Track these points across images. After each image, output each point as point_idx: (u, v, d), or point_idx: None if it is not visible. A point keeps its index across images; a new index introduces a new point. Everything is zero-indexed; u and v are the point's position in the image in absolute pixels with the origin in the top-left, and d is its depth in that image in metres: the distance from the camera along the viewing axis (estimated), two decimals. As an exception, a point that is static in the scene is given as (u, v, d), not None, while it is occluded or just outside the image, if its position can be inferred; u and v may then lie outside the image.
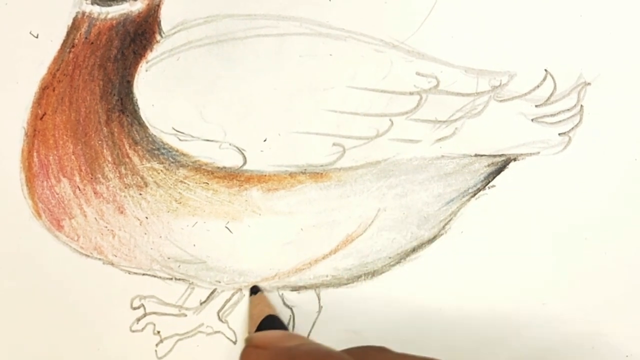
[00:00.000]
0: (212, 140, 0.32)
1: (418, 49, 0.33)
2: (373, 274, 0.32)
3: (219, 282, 0.33)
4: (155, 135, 0.32)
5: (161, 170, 0.32)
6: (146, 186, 0.32)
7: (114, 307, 0.33)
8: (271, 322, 0.30)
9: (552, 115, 0.33)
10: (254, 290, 0.32)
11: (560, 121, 0.33)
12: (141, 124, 0.32)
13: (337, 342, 0.32)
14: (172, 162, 0.32)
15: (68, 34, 0.33)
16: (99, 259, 0.33)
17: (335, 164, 0.32)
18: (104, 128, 0.33)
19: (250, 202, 0.32)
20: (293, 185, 0.32)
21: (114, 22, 0.33)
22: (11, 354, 0.33)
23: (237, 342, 0.33)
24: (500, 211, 0.33)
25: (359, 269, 0.33)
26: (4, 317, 0.33)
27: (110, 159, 0.32)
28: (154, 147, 0.32)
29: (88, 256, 0.33)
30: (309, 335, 0.33)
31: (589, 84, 0.33)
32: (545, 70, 0.33)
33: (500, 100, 0.33)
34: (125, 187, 0.32)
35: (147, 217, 0.33)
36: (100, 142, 0.32)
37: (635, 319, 0.33)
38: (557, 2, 0.33)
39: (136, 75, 0.33)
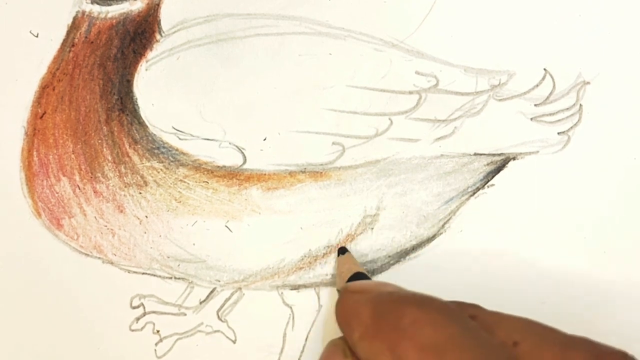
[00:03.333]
0: (211, 139, 0.32)
1: (417, 48, 0.33)
2: (372, 272, 0.32)
3: (219, 281, 0.33)
4: (155, 134, 0.32)
5: (161, 169, 0.32)
6: (146, 185, 0.32)
7: (114, 306, 0.33)
8: (359, 278, 0.30)
9: (551, 114, 0.33)
10: (342, 250, 0.32)
11: (559, 120, 0.33)
12: (141, 123, 0.32)
13: (336, 341, 0.32)
14: (172, 161, 0.32)
15: (68, 33, 0.33)
16: (99, 257, 0.33)
17: (335, 163, 0.32)
18: (104, 127, 0.33)
19: (250, 201, 0.32)
20: (293, 184, 0.32)
21: (114, 21, 0.33)
22: (10, 352, 0.33)
23: (237, 342, 0.33)
24: (499, 210, 0.33)
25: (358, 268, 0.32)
26: (3, 316, 0.33)
27: (110, 158, 0.32)
28: (154, 146, 0.32)
29: (88, 255, 0.33)
30: (308, 334, 0.33)
31: (588, 83, 0.33)
32: (545, 69, 0.33)
33: (500, 100, 0.33)
34: (125, 186, 0.32)
35: (146, 216, 0.33)
36: (100, 141, 0.33)
37: (635, 319, 0.33)
38: (557, 2, 0.33)
39: (136, 75, 0.33)
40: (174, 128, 0.32)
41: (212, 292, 0.33)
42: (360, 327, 0.24)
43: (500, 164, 0.33)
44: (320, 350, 0.32)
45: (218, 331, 0.33)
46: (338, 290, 0.31)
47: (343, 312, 0.26)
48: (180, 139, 0.32)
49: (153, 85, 0.33)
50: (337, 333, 0.32)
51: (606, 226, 0.33)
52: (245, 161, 0.32)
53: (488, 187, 0.33)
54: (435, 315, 0.23)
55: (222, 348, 0.33)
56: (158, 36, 0.33)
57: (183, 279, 0.33)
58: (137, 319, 0.33)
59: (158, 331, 0.33)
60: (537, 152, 0.33)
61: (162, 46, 0.33)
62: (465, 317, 0.24)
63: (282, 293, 0.33)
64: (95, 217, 0.33)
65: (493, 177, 0.33)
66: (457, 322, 0.23)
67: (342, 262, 0.32)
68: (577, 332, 0.32)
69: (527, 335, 0.24)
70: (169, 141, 0.32)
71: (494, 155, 0.33)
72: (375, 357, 0.23)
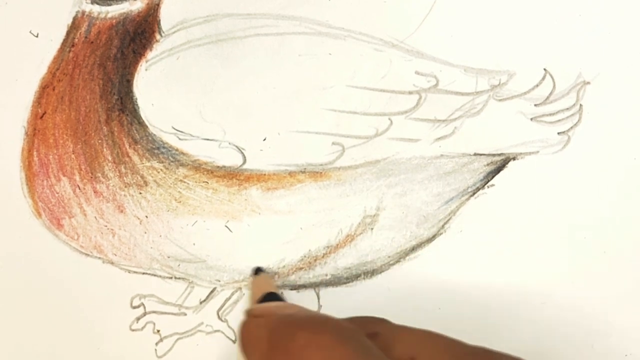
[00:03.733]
0: (211, 139, 0.32)
1: (417, 48, 0.33)
2: (372, 273, 0.32)
3: (219, 281, 0.33)
4: (154, 134, 0.32)
5: (161, 169, 0.32)
6: (146, 185, 0.32)
7: (114, 306, 0.33)
8: (272, 298, 0.30)
9: (551, 114, 0.33)
10: (257, 271, 0.32)
11: (559, 120, 0.33)
12: (141, 123, 0.33)
13: (336, 341, 0.32)
14: (172, 161, 0.32)
15: (68, 33, 0.33)
16: (99, 257, 0.33)
17: (335, 163, 0.32)
18: (104, 127, 0.33)
19: (250, 201, 0.32)
20: (292, 185, 0.32)
21: (114, 21, 0.33)
22: (11, 352, 0.33)
23: (237, 341, 0.33)
24: (499, 210, 0.33)
25: (358, 268, 0.33)
26: (3, 316, 0.33)
27: (110, 158, 0.32)
28: (154, 146, 0.32)
29: (88, 255, 0.33)
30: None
31: (588, 83, 0.33)
32: (545, 69, 0.33)
33: (500, 100, 0.33)
34: (125, 186, 0.33)
35: (147, 216, 0.33)
36: (100, 141, 0.33)
37: (635, 319, 0.33)
38: (557, 2, 0.33)
39: (136, 75, 0.33)
40: (173, 128, 0.32)
41: (212, 292, 0.33)
42: (257, 352, 0.24)
43: (500, 164, 0.33)
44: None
45: (218, 331, 0.33)
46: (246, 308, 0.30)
47: (244, 337, 0.26)
48: (180, 139, 0.32)
49: (153, 85, 0.33)
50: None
51: (606, 226, 0.33)
52: (245, 161, 0.32)
53: (488, 187, 0.33)
54: (327, 337, 0.23)
55: (222, 348, 0.33)
56: (158, 36, 0.33)
57: (183, 278, 0.33)
58: (138, 318, 0.33)
59: (158, 331, 0.33)
60: (537, 152, 0.33)
61: (162, 46, 0.33)
62: (361, 337, 0.23)
63: (282, 293, 0.33)
64: (95, 217, 0.33)
65: (493, 177, 0.33)
66: (349, 344, 0.22)
67: (255, 284, 0.32)
68: (579, 332, 0.32)
69: (425, 349, 0.24)
70: (168, 141, 0.32)
71: (494, 155, 0.33)
72: None
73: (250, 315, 0.27)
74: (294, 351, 0.22)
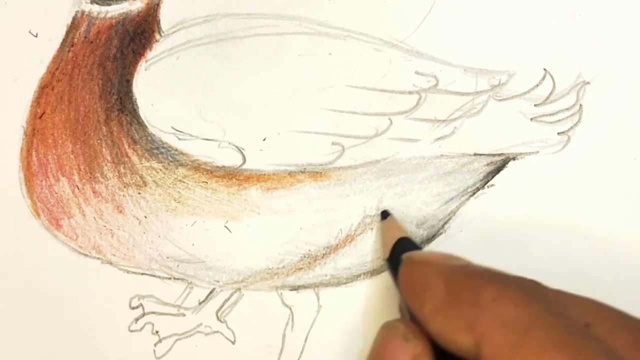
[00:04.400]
0: (211, 140, 0.32)
1: (417, 48, 0.33)
2: (372, 273, 0.32)
3: (218, 281, 0.33)
4: (154, 135, 0.32)
5: (160, 170, 0.32)
6: (145, 185, 0.32)
7: (113, 307, 0.33)
8: (405, 244, 0.29)
9: (551, 114, 0.33)
10: (384, 215, 0.32)
11: (559, 120, 0.33)
12: (140, 123, 0.32)
13: (336, 342, 0.32)
14: (171, 161, 0.32)
15: (67, 33, 0.33)
16: (98, 258, 0.33)
17: (335, 163, 0.32)
18: (103, 127, 0.33)
19: (250, 201, 0.32)
20: (292, 185, 0.32)
21: (114, 21, 0.33)
22: (9, 352, 0.33)
23: (236, 342, 0.33)
24: (499, 210, 0.33)
25: (358, 268, 0.32)
26: (2, 316, 0.33)
27: (109, 158, 0.32)
28: (153, 146, 0.32)
29: (87, 255, 0.33)
30: (307, 335, 0.32)
31: (588, 83, 0.33)
32: (545, 69, 0.33)
33: (500, 100, 0.33)
34: (124, 186, 0.32)
35: (146, 217, 0.32)
36: (99, 141, 0.32)
37: (635, 319, 0.33)
38: (557, 1, 0.33)
39: (135, 75, 0.33)
40: (173, 128, 0.32)
41: (211, 292, 0.33)
42: (433, 300, 0.23)
43: (500, 164, 0.33)
44: (320, 351, 0.32)
45: (217, 332, 0.33)
46: (387, 260, 0.30)
47: (410, 283, 0.25)
48: (179, 139, 0.32)
49: (152, 85, 0.33)
50: (336, 333, 0.32)
51: (606, 226, 0.33)
52: (244, 161, 0.32)
53: (488, 187, 0.33)
54: (515, 292, 0.22)
55: (222, 349, 0.33)
56: (157, 36, 0.33)
57: (182, 279, 0.33)
58: (136, 319, 0.33)
59: (157, 332, 0.33)
60: (537, 152, 0.33)
61: (162, 46, 0.33)
62: (544, 295, 0.23)
63: (281, 294, 0.33)
64: (94, 218, 0.33)
65: (493, 177, 0.33)
66: (538, 300, 0.22)
67: (385, 228, 0.31)
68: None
69: (600, 318, 0.23)
70: (168, 141, 0.32)
71: (493, 155, 0.33)
72: (452, 333, 0.22)
73: (413, 261, 0.26)
74: (483, 303, 0.22)
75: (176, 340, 0.33)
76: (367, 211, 0.32)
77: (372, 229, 0.32)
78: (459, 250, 0.32)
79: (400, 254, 0.28)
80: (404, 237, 0.29)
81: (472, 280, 0.23)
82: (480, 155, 0.33)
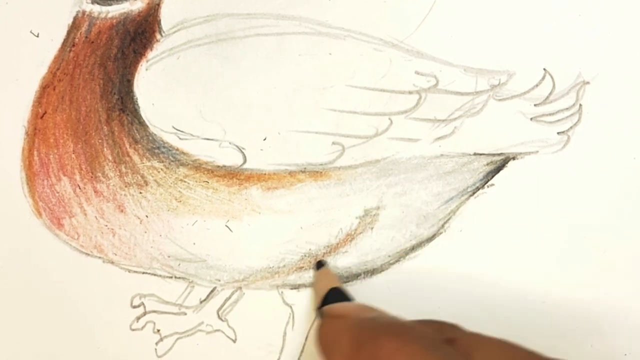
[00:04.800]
0: (212, 139, 0.32)
1: (417, 48, 0.33)
2: (372, 272, 0.33)
3: (219, 280, 0.33)
4: (155, 134, 0.32)
5: (161, 169, 0.32)
6: (146, 185, 0.32)
7: (114, 306, 0.33)
8: (336, 294, 0.30)
9: (551, 114, 0.33)
10: (319, 265, 0.32)
11: (559, 120, 0.33)
12: (141, 122, 0.33)
13: (336, 341, 0.32)
14: (172, 161, 0.32)
15: (68, 33, 0.33)
16: (99, 257, 0.33)
17: (335, 162, 0.32)
18: (104, 127, 0.33)
19: (250, 201, 0.32)
20: (293, 184, 0.32)
21: (114, 21, 0.33)
22: (11, 352, 0.33)
23: (237, 341, 0.33)
24: (499, 210, 0.33)
25: (358, 268, 0.33)
26: (3, 315, 0.33)
27: (110, 157, 0.33)
28: (154, 146, 0.32)
29: (88, 255, 0.33)
30: (308, 334, 0.33)
31: (587, 83, 0.33)
32: (544, 69, 0.33)
33: (499, 99, 0.33)
34: (126, 186, 0.33)
35: (147, 216, 0.33)
36: (100, 140, 0.33)
37: (634, 318, 0.33)
38: (556, 1, 0.33)
39: (136, 74, 0.33)
40: (174, 128, 0.33)
41: (212, 291, 0.33)
42: (339, 356, 0.24)
43: (500, 164, 0.33)
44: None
45: (218, 330, 0.33)
46: (316, 310, 0.30)
47: (323, 339, 0.26)
48: (180, 138, 0.32)
49: (153, 85, 0.33)
50: (337, 332, 0.32)
51: (606, 226, 0.33)
52: (245, 161, 0.32)
53: (488, 187, 0.33)
54: (414, 346, 0.22)
55: (223, 347, 0.33)
56: (158, 36, 0.33)
57: (183, 278, 0.33)
58: (138, 318, 0.33)
59: (158, 330, 0.33)
60: (537, 152, 0.33)
61: (163, 46, 0.33)
62: (444, 346, 0.23)
63: (282, 292, 0.33)
64: (95, 217, 0.33)
65: (493, 177, 0.33)
66: (437, 354, 0.22)
67: (319, 278, 0.32)
68: (578, 332, 0.32)
69: None
70: (169, 141, 0.32)
71: (493, 155, 0.33)
72: None
73: (327, 315, 0.27)
74: (383, 358, 0.22)
75: (177, 339, 0.33)
76: (367, 211, 0.32)
77: (372, 228, 0.32)
78: (460, 250, 0.33)
79: (329, 304, 0.29)
80: (336, 288, 0.30)
81: (374, 334, 0.24)
82: (480, 154, 0.33)
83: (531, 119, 0.33)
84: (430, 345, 0.23)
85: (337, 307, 0.27)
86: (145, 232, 0.33)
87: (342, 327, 0.25)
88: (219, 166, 0.32)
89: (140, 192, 0.33)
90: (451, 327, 0.25)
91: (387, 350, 0.22)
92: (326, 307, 0.28)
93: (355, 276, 0.33)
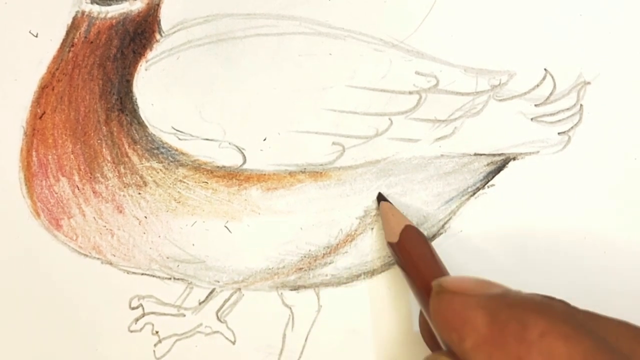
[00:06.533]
0: (211, 140, 0.32)
1: (417, 48, 0.33)
2: (372, 273, 0.32)
3: (218, 281, 0.33)
4: (154, 135, 0.32)
5: (160, 170, 0.32)
6: (145, 185, 0.32)
7: (112, 307, 0.33)
8: (411, 232, 0.29)
9: (551, 114, 0.33)
10: (380, 197, 0.32)
11: (559, 120, 0.33)
12: (140, 123, 0.32)
13: (336, 342, 0.32)
14: (172, 162, 0.32)
15: (67, 33, 0.33)
16: (98, 258, 0.33)
17: (335, 163, 0.32)
18: (103, 127, 0.32)
19: (250, 202, 0.32)
20: (292, 185, 0.32)
21: (114, 21, 0.33)
22: (9, 352, 0.33)
23: (236, 342, 0.33)
24: (499, 210, 0.33)
25: (358, 268, 0.32)
26: (2, 316, 0.33)
27: (109, 158, 0.32)
28: (153, 147, 0.32)
29: (87, 256, 0.33)
30: (307, 335, 0.32)
31: (588, 83, 0.33)
32: (545, 69, 0.33)
33: (500, 100, 0.33)
34: (124, 187, 0.32)
35: (146, 217, 0.32)
36: (99, 141, 0.32)
37: (634, 319, 0.33)
38: (557, 2, 0.33)
39: (136, 75, 0.33)
40: (173, 128, 0.32)
41: (211, 292, 0.33)
42: (474, 335, 0.22)
43: (500, 164, 0.33)
44: (320, 351, 0.32)
45: (217, 332, 0.33)
46: (389, 244, 0.30)
47: (446, 315, 0.23)
48: (179, 139, 0.32)
49: (153, 85, 0.33)
50: (336, 333, 0.32)
51: (606, 226, 0.33)
52: (244, 161, 0.32)
53: (488, 187, 0.33)
54: (564, 327, 0.21)
55: (222, 349, 0.33)
56: (158, 36, 0.33)
57: (182, 279, 0.33)
58: (136, 319, 0.33)
59: (157, 332, 0.33)
60: (538, 152, 0.33)
61: (162, 46, 0.33)
62: (589, 327, 0.22)
63: (281, 294, 0.33)
64: (94, 218, 0.33)
65: (493, 177, 0.33)
66: (588, 335, 0.21)
67: (387, 211, 0.31)
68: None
69: (636, 343, 0.22)
70: (168, 141, 0.32)
71: (494, 155, 0.33)
72: None
73: (447, 291, 0.24)
74: (531, 339, 0.21)
75: (176, 341, 0.33)
76: (367, 211, 0.32)
77: (372, 228, 0.32)
78: (460, 250, 0.33)
79: (408, 241, 0.28)
80: (411, 226, 0.29)
81: (516, 312, 0.22)
82: (481, 155, 0.33)
83: (532, 119, 0.33)
84: (580, 326, 0.21)
85: (454, 281, 0.25)
86: (144, 233, 0.32)
87: (472, 303, 0.23)
88: (218, 167, 0.32)
89: (139, 193, 0.32)
90: (565, 304, 0.23)
91: (535, 331, 0.21)
92: (438, 281, 0.25)
93: (356, 277, 0.33)
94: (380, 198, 0.32)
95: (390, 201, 0.32)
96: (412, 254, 0.29)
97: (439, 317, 0.24)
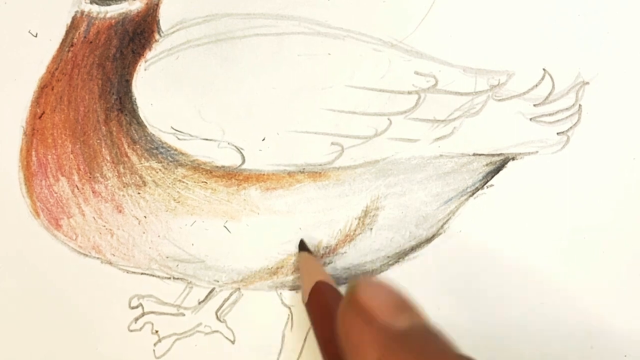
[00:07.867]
0: (210, 140, 0.32)
1: (416, 48, 0.33)
2: (371, 273, 0.32)
3: (218, 281, 0.33)
4: (153, 134, 0.32)
5: (160, 169, 0.32)
6: (145, 185, 0.32)
7: (112, 307, 0.33)
8: (322, 287, 0.28)
9: (550, 114, 0.33)
10: (301, 246, 0.31)
11: (558, 120, 0.33)
12: (140, 123, 0.32)
13: (335, 342, 0.32)
14: (171, 161, 0.32)
15: (67, 33, 0.33)
16: (97, 258, 0.33)
17: (334, 163, 0.32)
18: (103, 127, 0.33)
19: (249, 201, 0.32)
20: (291, 185, 0.32)
21: (113, 21, 0.33)
22: (9, 352, 0.33)
23: (236, 342, 0.33)
24: (498, 210, 0.33)
25: (357, 269, 0.32)
26: (1, 316, 0.33)
27: (108, 158, 0.32)
28: (153, 146, 0.32)
29: (86, 255, 0.33)
30: (307, 335, 0.32)
31: (587, 83, 0.33)
32: (544, 69, 0.33)
33: (499, 100, 0.33)
34: (124, 186, 0.32)
35: (145, 216, 0.32)
36: (98, 141, 0.32)
37: (634, 319, 0.33)
38: (556, 2, 0.33)
39: (135, 75, 0.33)
40: (172, 128, 0.32)
41: (210, 292, 0.33)
42: None
43: (499, 164, 0.33)
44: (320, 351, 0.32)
45: (217, 331, 0.33)
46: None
47: (347, 335, 0.22)
48: (179, 139, 0.32)
49: (152, 85, 0.33)
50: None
51: (606, 226, 0.33)
52: (244, 161, 0.32)
53: (487, 187, 0.33)
54: None
55: (221, 348, 0.33)
56: (157, 36, 0.33)
57: (182, 279, 0.33)
58: (136, 319, 0.33)
59: (157, 331, 0.33)
60: (537, 152, 0.33)
61: (161, 46, 0.33)
62: None
63: (280, 293, 0.33)
64: (93, 217, 0.33)
65: (492, 177, 0.33)
66: None
67: (302, 265, 0.30)
68: (578, 332, 0.32)
69: None
70: (167, 141, 0.32)
71: (493, 155, 0.33)
72: None
73: (353, 302, 0.22)
74: None
75: (176, 340, 0.33)
76: (366, 211, 0.32)
77: (371, 229, 0.32)
78: (459, 251, 0.33)
79: (315, 303, 0.27)
80: (322, 282, 0.28)
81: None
82: (480, 155, 0.33)
83: (530, 119, 0.33)
84: None
85: (367, 291, 0.23)
86: (144, 233, 0.33)
87: (370, 336, 0.22)
88: (217, 166, 0.32)
89: (139, 193, 0.32)
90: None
91: None
92: (354, 285, 0.23)
93: (355, 277, 0.33)
94: (301, 247, 0.31)
95: (311, 250, 0.31)
96: (317, 316, 0.28)
97: (342, 328, 0.23)
